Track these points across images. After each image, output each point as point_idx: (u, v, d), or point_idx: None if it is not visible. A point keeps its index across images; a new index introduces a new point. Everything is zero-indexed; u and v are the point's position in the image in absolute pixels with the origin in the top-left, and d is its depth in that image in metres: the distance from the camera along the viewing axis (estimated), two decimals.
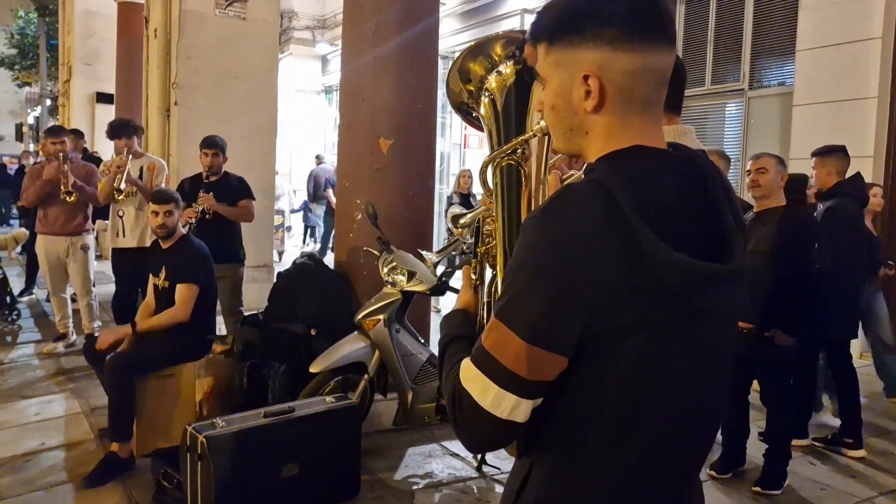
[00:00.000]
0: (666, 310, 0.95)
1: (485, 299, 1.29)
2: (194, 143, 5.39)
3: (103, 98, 14.12)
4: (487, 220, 1.35)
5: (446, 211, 7.92)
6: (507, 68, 1.34)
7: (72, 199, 5.47)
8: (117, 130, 5.55)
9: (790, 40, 7.28)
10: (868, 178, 6.42)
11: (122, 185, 5.32)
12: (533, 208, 1.29)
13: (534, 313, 0.94)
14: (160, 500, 3.27)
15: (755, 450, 3.86)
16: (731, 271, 0.99)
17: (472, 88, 1.38)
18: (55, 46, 22.61)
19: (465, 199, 7.91)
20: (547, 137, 1.23)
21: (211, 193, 4.95)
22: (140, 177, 5.45)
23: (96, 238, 6.12)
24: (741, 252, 1.02)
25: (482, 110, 1.36)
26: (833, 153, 4.37)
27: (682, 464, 1.08)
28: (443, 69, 12.87)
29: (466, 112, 1.45)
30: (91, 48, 14.27)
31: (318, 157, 13.71)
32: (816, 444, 4.26)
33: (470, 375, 1.00)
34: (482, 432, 1.02)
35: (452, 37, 12.55)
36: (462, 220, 1.88)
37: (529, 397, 0.98)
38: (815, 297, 3.60)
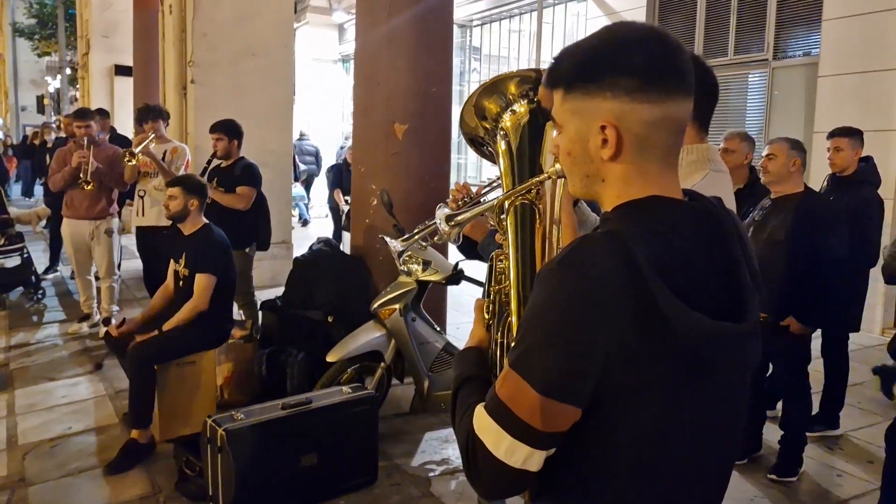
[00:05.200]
0: (681, 367, 0.96)
1: (499, 339, 1.29)
2: (211, 120, 5.40)
3: (122, 71, 14.14)
4: (500, 257, 1.35)
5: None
6: (521, 107, 1.34)
7: (89, 188, 5.50)
8: (143, 116, 5.66)
9: (816, 9, 7.09)
10: (893, 152, 6.30)
11: (136, 150, 5.36)
12: (547, 248, 1.29)
13: (550, 367, 0.94)
14: (183, 488, 3.35)
15: (771, 434, 3.87)
16: (746, 332, 0.99)
17: (487, 126, 1.38)
18: (74, 16, 22.61)
19: None
20: (561, 179, 1.23)
21: (214, 180, 4.99)
22: (162, 160, 5.48)
23: (120, 216, 6.19)
24: (757, 310, 1.02)
25: (499, 149, 1.37)
26: (858, 135, 4.27)
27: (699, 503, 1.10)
28: (459, 38, 12.74)
29: (479, 145, 1.45)
30: (109, 21, 14.26)
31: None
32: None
33: (484, 425, 1.01)
34: (495, 481, 1.02)
35: (468, 5, 12.36)
36: (458, 218, 1.84)
37: (543, 448, 0.99)
38: (831, 286, 3.54)
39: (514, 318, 1.26)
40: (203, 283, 3.87)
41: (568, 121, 1.05)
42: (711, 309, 0.95)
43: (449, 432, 4.07)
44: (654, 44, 1.00)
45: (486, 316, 1.33)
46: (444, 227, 1.80)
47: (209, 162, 5.17)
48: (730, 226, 1.05)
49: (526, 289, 1.26)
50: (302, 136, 13.30)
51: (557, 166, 1.14)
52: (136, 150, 5.33)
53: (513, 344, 1.01)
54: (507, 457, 0.98)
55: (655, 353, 0.93)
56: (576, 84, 1.02)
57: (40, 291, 7.12)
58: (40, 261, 8.06)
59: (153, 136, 5.49)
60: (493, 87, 1.38)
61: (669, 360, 0.94)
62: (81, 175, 5.47)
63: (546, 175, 1.21)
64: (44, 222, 10.19)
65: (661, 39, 1.00)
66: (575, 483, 1.03)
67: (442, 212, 1.81)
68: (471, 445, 1.03)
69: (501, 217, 1.33)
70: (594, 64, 1.01)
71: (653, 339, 0.92)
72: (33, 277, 7.11)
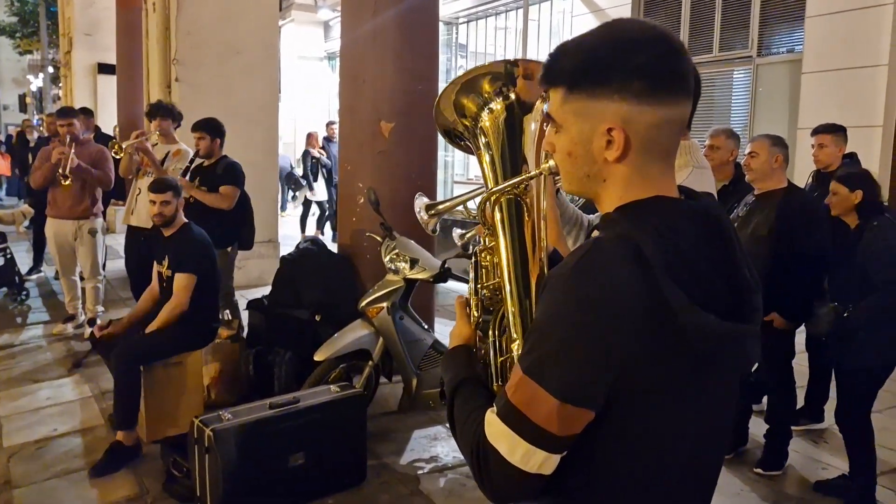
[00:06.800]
0: (691, 367, 0.97)
1: (491, 337, 1.28)
2: (197, 119, 5.31)
3: (105, 69, 14.01)
4: (484, 253, 1.33)
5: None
6: (497, 105, 1.34)
7: (66, 182, 5.36)
8: (153, 111, 5.52)
9: (800, 6, 7.14)
10: (877, 148, 6.37)
11: (125, 144, 5.24)
12: (537, 242, 1.28)
13: (567, 373, 0.94)
14: (170, 489, 3.34)
15: (757, 428, 3.90)
16: (753, 331, 1.00)
17: (467, 123, 1.38)
18: (56, 13, 22.40)
19: None
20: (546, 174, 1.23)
21: (197, 179, 4.94)
22: (163, 161, 5.34)
23: (105, 215, 6.08)
24: (761, 309, 1.03)
25: (480, 147, 1.36)
26: (842, 131, 4.32)
27: (696, 499, 1.12)
28: (445, 35, 12.73)
29: (455, 138, 1.44)
30: (91, 18, 14.12)
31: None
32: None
33: (497, 432, 1.00)
34: (509, 487, 1.02)
35: (454, 3, 12.35)
36: (439, 208, 1.84)
37: (558, 452, 0.99)
38: (814, 282, 3.57)
39: (509, 315, 1.25)
40: (182, 282, 3.84)
41: (570, 122, 1.03)
42: (718, 308, 0.95)
43: (437, 430, 4.08)
44: (661, 45, 0.99)
45: (476, 313, 1.31)
46: (423, 215, 1.80)
47: (191, 161, 5.12)
48: (727, 224, 1.05)
49: (519, 284, 1.25)
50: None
51: (551, 163, 1.13)
52: (125, 144, 5.24)
53: (524, 350, 1.00)
54: (523, 463, 0.98)
55: (668, 355, 0.94)
56: (580, 85, 1.00)
57: (24, 292, 7.05)
58: (24, 261, 7.98)
59: (157, 134, 5.37)
60: (469, 85, 1.37)
61: (681, 362, 0.95)
62: (60, 170, 5.33)
63: (538, 171, 1.20)
64: (27, 222, 10.10)
65: (667, 40, 1.00)
66: (582, 482, 1.03)
67: (421, 201, 1.81)
68: (482, 453, 1.02)
69: (487, 211, 1.32)
70: (600, 65, 0.99)
71: (666, 342, 0.93)
72: (17, 278, 7.05)
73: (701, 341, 0.94)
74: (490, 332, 1.28)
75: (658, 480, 1.02)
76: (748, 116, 7.85)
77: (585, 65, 1.00)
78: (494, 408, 1.02)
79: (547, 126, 1.34)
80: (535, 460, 0.97)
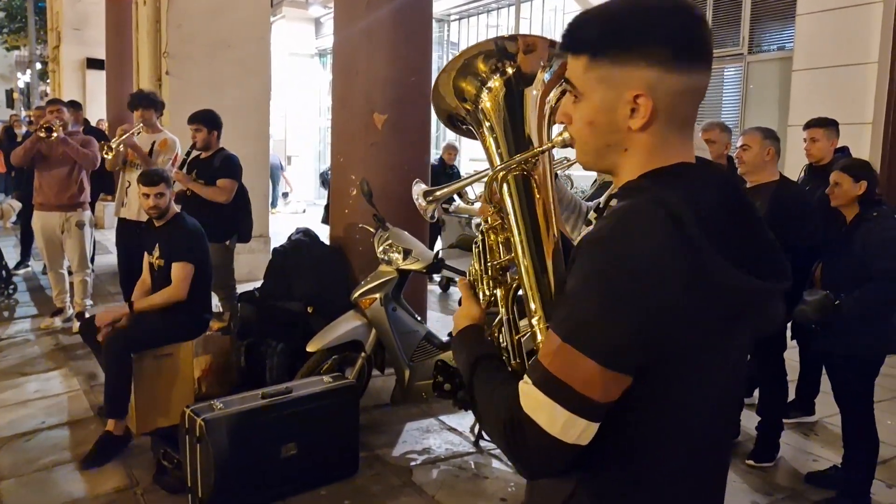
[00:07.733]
0: (724, 327, 0.98)
1: (505, 315, 1.26)
2: (187, 113, 5.27)
3: (94, 64, 13.94)
4: (489, 232, 1.31)
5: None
6: (495, 82, 1.32)
7: (53, 136, 5.24)
8: (134, 101, 5.44)
9: (790, 4, 7.18)
10: (866, 145, 6.40)
11: (114, 144, 5.17)
12: (549, 217, 1.27)
13: (609, 337, 0.93)
14: (161, 481, 3.30)
15: (749, 421, 3.91)
16: (782, 289, 1.01)
17: (468, 107, 1.36)
18: (43, 9, 22.23)
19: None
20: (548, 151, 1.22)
21: (194, 172, 4.90)
22: (150, 152, 5.28)
23: (93, 208, 6.00)
24: (787, 268, 1.03)
25: (483, 128, 1.35)
26: (834, 125, 4.33)
27: (718, 464, 1.12)
28: (437, 32, 12.73)
29: (458, 122, 1.42)
30: (80, 13, 14.03)
31: None
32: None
33: (535, 402, 0.97)
34: (547, 459, 0.99)
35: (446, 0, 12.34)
36: (437, 194, 1.82)
37: (598, 420, 0.97)
38: (806, 274, 3.58)
39: (526, 290, 1.23)
40: (181, 272, 3.81)
41: (593, 89, 1.02)
42: (749, 268, 0.95)
43: (430, 422, 4.06)
44: (685, 14, 0.99)
45: (487, 292, 1.29)
46: (421, 202, 1.78)
47: (188, 154, 5.08)
48: (743, 189, 1.06)
49: (534, 258, 1.23)
50: None
51: (566, 135, 1.11)
52: (115, 144, 5.19)
53: (559, 318, 0.98)
54: (564, 433, 0.95)
55: (705, 317, 0.94)
56: (606, 51, 0.99)
57: (11, 286, 6.98)
58: (11, 256, 7.91)
59: (140, 126, 5.30)
60: (465, 67, 1.35)
61: (716, 323, 0.96)
62: (42, 130, 5.23)
63: (551, 144, 1.19)
64: (14, 217, 10.01)
65: (690, 10, 1.00)
66: (616, 455, 1.02)
67: (419, 187, 1.79)
68: (517, 426, 0.99)
69: (494, 189, 1.29)
70: (627, 31, 0.98)
71: (703, 304, 0.93)
72: (4, 272, 6.98)
73: (737, 301, 0.94)
74: (503, 310, 1.26)
75: (692, 444, 1.03)
76: (739, 113, 7.89)
77: (611, 31, 1.00)
78: (528, 379, 0.99)
79: (549, 99, 1.33)
80: (576, 429, 0.95)
